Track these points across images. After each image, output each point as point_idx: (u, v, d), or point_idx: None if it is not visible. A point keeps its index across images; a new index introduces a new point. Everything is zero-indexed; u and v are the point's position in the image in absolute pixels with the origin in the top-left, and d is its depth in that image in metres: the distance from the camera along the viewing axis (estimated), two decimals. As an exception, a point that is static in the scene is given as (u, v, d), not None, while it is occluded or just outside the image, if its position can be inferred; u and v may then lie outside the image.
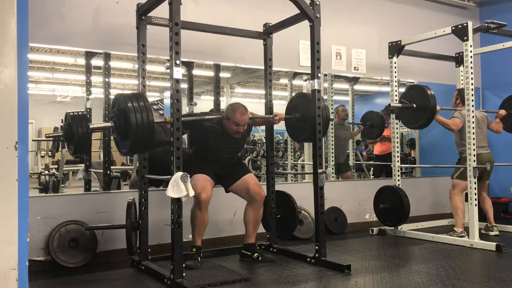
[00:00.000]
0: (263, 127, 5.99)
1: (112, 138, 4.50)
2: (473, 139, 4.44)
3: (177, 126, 3.08)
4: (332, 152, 5.77)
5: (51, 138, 6.45)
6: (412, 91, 4.90)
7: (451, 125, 4.77)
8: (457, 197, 4.85)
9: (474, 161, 4.43)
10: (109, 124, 3.31)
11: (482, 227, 4.93)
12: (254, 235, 3.90)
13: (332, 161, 5.76)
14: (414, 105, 4.76)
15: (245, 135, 3.96)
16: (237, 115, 3.64)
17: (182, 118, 3.14)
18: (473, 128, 4.44)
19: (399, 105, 4.88)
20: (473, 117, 4.45)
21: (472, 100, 4.44)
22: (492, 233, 4.96)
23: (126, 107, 3.09)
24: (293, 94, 4.70)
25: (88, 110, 4.41)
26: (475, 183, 4.42)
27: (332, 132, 5.78)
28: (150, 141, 3.20)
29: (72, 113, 3.80)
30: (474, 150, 4.44)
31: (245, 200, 3.87)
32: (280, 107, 4.88)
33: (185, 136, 5.01)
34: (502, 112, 5.23)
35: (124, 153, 3.37)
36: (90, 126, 3.53)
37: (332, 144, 5.77)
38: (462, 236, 4.67)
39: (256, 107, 4.63)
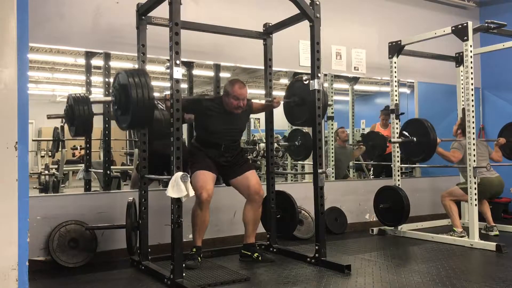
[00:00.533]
0: (263, 127, 6.00)
1: (112, 138, 4.54)
2: (473, 138, 4.44)
3: (177, 126, 3.08)
4: (333, 154, 5.77)
5: (52, 140, 6.46)
6: (411, 124, 4.86)
7: (451, 158, 4.80)
8: (448, 200, 4.92)
9: (474, 161, 4.43)
10: (109, 98, 3.36)
11: (482, 227, 4.93)
12: (254, 234, 3.90)
13: (332, 160, 5.75)
14: (415, 139, 4.72)
15: (245, 116, 3.96)
16: (236, 88, 3.68)
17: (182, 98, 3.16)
18: (473, 128, 4.44)
19: (399, 140, 4.84)
20: (473, 117, 4.45)
21: (473, 100, 4.44)
22: (492, 233, 4.96)
23: (127, 82, 3.11)
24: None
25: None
26: (475, 183, 4.42)
27: (332, 130, 5.78)
28: (149, 117, 3.24)
29: (74, 95, 3.87)
30: (474, 150, 4.44)
31: (244, 198, 3.88)
32: (280, 107, 4.88)
33: (184, 131, 5.02)
34: (502, 140, 5.25)
35: (123, 128, 3.38)
36: (91, 99, 3.59)
37: (332, 142, 5.77)
38: (462, 236, 4.68)
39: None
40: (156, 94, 3.37)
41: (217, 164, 3.76)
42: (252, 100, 4.06)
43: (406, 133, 4.80)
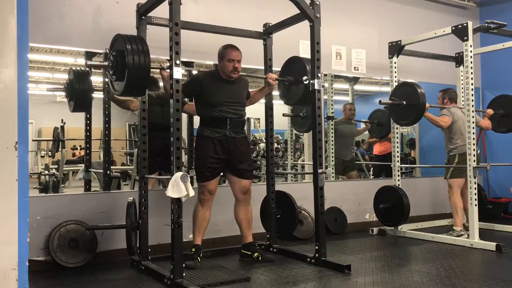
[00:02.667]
0: (263, 127, 5.99)
1: (112, 138, 4.54)
2: (473, 139, 4.44)
3: (177, 126, 3.08)
4: (333, 150, 5.77)
5: (52, 140, 6.46)
6: (402, 88, 4.91)
7: (440, 122, 4.86)
8: (455, 196, 4.88)
9: (474, 161, 4.43)
10: (106, 63, 3.39)
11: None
12: (250, 233, 3.89)
13: (332, 160, 5.75)
14: (404, 102, 4.77)
15: (243, 88, 3.89)
16: (230, 50, 3.69)
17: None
18: (473, 128, 4.44)
19: (389, 102, 4.89)
20: (473, 117, 4.45)
21: (472, 100, 4.44)
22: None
23: (125, 48, 3.11)
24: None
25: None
26: (475, 183, 4.42)
27: (332, 130, 5.77)
28: (144, 84, 3.27)
29: (75, 69, 3.90)
30: (474, 150, 4.44)
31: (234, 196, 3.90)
32: (280, 107, 4.88)
33: (184, 136, 5.03)
34: (490, 111, 5.27)
35: (117, 94, 3.39)
36: (88, 63, 3.62)
37: (332, 142, 5.77)
38: (461, 235, 4.68)
39: (257, 107, 4.63)
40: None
41: (223, 152, 3.69)
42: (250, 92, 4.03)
43: (395, 98, 4.85)
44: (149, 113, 3.75)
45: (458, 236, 4.67)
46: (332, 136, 5.79)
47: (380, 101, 4.99)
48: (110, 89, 3.57)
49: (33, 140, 8.64)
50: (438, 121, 4.88)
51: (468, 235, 4.57)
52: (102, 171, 4.56)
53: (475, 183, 4.42)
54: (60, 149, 6.26)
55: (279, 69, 4.29)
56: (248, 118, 7.23)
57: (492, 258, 4.01)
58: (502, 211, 6.12)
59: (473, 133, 4.44)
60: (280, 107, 5.07)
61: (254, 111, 5.09)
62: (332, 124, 5.78)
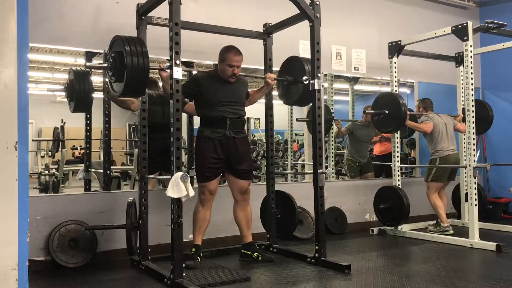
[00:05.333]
0: (263, 127, 5.99)
1: (112, 138, 4.54)
2: (473, 135, 4.44)
3: (177, 126, 3.08)
4: (333, 150, 5.76)
5: (52, 140, 6.45)
6: (384, 98, 5.06)
7: (425, 128, 5.05)
8: (434, 196, 5.10)
9: (474, 161, 4.43)
10: (105, 64, 3.40)
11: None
12: (250, 233, 3.89)
13: (332, 160, 5.75)
14: (386, 111, 4.92)
15: (243, 88, 3.90)
16: (231, 55, 3.67)
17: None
18: (473, 128, 4.44)
19: (373, 111, 5.03)
20: (473, 117, 4.45)
21: (472, 101, 4.44)
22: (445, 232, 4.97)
23: (123, 49, 3.12)
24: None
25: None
26: (475, 183, 4.42)
27: (332, 130, 5.77)
28: (143, 86, 3.28)
29: (75, 69, 3.90)
30: (474, 150, 4.44)
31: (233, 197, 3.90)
32: (280, 107, 4.87)
33: (184, 136, 5.02)
34: (461, 116, 5.31)
35: (116, 95, 3.39)
36: (87, 64, 3.63)
37: (333, 142, 5.76)
38: (447, 230, 4.87)
39: (257, 107, 4.63)
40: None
41: (223, 152, 3.68)
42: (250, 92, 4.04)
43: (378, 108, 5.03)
44: (149, 113, 3.76)
45: (443, 231, 4.86)
46: (332, 136, 5.78)
47: (364, 111, 5.21)
48: (110, 89, 3.58)
49: (33, 140, 8.65)
50: (422, 127, 5.08)
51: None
52: (102, 171, 4.55)
53: (475, 183, 4.42)
54: (60, 149, 6.26)
55: (279, 69, 4.29)
56: (248, 118, 7.24)
57: (492, 258, 4.01)
58: (502, 211, 6.13)
59: (473, 133, 4.44)
60: (280, 107, 5.07)
61: (254, 111, 5.09)
62: (332, 125, 5.78)
